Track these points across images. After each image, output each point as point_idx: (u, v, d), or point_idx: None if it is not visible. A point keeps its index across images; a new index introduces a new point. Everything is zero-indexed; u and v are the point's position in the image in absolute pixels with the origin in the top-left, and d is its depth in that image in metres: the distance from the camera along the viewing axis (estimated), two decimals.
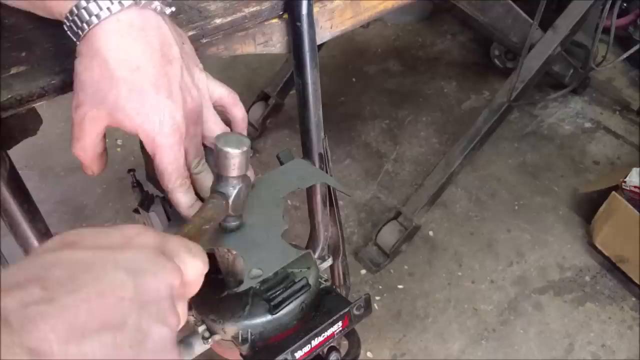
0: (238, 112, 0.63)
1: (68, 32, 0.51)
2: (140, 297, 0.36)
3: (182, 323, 0.42)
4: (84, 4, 0.49)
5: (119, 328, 0.34)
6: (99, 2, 0.49)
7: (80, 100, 0.52)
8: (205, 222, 0.51)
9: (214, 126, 0.60)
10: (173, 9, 0.55)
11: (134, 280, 0.36)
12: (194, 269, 0.42)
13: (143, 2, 0.51)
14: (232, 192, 0.53)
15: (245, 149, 0.52)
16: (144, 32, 0.51)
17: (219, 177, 0.54)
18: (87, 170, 0.57)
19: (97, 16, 0.49)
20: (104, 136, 0.55)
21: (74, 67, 0.52)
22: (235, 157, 0.52)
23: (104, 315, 0.34)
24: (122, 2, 0.49)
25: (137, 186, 0.72)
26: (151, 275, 0.38)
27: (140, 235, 0.40)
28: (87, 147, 0.54)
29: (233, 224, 0.57)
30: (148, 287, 0.37)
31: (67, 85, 0.56)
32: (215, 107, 0.61)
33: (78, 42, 0.51)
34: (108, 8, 0.49)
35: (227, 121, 0.63)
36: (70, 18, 0.50)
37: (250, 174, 0.64)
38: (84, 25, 0.50)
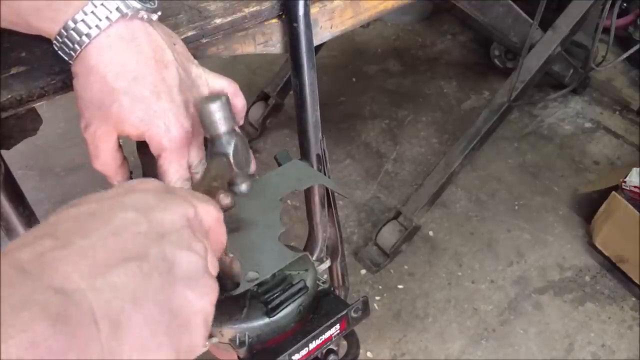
0: (239, 101, 0.64)
1: (59, 52, 0.51)
2: (155, 229, 0.36)
3: (215, 272, 0.40)
4: (72, 25, 0.49)
5: (142, 258, 0.34)
6: (87, 21, 0.49)
7: (87, 119, 0.53)
8: (212, 180, 0.51)
9: None
10: (159, 13, 0.55)
11: (146, 217, 0.36)
12: (206, 213, 0.41)
13: (130, 14, 0.51)
14: (229, 148, 0.54)
15: (224, 99, 0.53)
16: (134, 42, 0.52)
17: (211, 140, 0.54)
18: (112, 181, 0.58)
19: (88, 35, 0.49)
20: (120, 146, 0.56)
21: (74, 87, 0.53)
22: (217, 109, 0.52)
23: (123, 250, 0.33)
24: (109, 17, 0.50)
25: None
26: (161, 210, 0.37)
27: (143, 183, 0.40)
28: (107, 161, 0.55)
29: (244, 185, 0.56)
30: (161, 219, 0.37)
31: (67, 85, 0.57)
32: None
33: (71, 62, 0.52)
34: (97, 26, 0.49)
35: None
36: (61, 40, 0.50)
37: (253, 165, 0.64)
38: (76, 46, 0.50)
